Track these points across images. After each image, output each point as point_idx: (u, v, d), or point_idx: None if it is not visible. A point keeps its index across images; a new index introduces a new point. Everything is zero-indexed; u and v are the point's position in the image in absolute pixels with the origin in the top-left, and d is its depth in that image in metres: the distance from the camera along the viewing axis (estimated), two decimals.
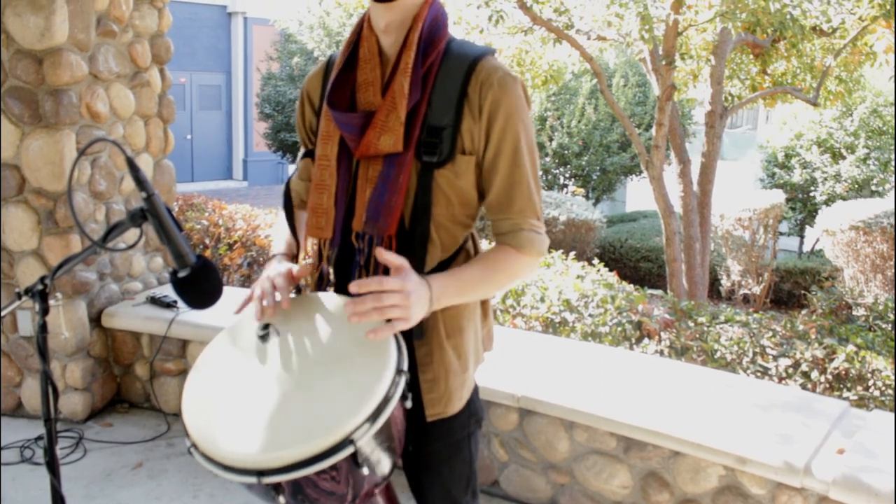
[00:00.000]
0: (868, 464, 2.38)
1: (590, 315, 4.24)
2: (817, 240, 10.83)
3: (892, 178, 11.80)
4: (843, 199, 11.29)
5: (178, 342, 3.77)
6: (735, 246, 9.42)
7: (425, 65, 1.48)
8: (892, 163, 11.79)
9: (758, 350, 3.79)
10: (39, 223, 3.48)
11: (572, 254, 5.92)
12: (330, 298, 1.52)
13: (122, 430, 3.66)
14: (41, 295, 1.41)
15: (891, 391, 3.50)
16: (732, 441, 2.55)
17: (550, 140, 13.92)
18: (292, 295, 1.58)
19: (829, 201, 11.59)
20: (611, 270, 5.67)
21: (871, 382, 3.56)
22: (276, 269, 1.55)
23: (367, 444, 1.30)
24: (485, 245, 1.75)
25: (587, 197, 14.04)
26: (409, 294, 1.36)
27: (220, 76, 18.98)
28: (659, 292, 5.38)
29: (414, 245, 1.50)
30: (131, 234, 3.49)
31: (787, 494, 2.46)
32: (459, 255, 1.58)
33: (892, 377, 3.52)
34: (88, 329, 3.67)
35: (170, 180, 4.16)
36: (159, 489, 3.16)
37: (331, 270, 1.60)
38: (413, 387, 1.52)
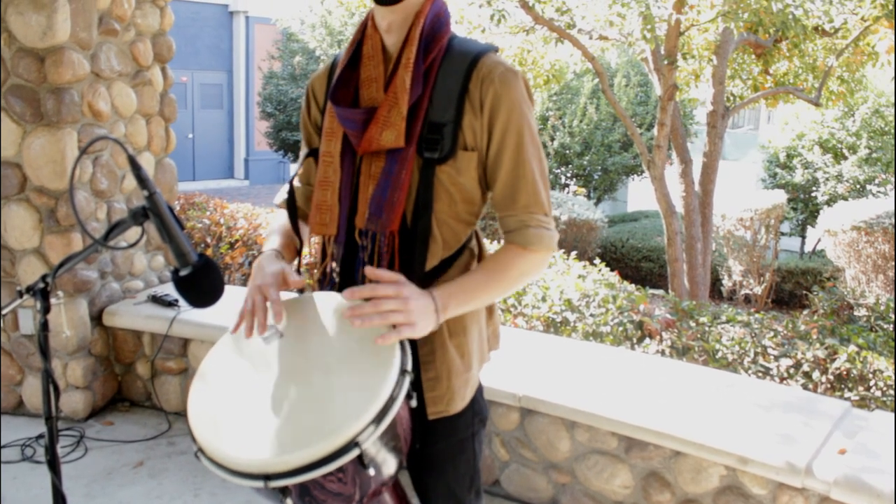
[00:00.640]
0: (869, 464, 2.38)
1: (591, 315, 4.24)
2: (819, 240, 10.83)
3: (893, 179, 11.79)
4: (845, 199, 11.29)
5: (180, 341, 3.77)
6: (737, 246, 9.42)
7: (427, 61, 1.49)
8: (894, 163, 11.78)
9: (759, 350, 3.79)
10: (41, 221, 3.48)
11: (574, 253, 5.92)
12: (333, 298, 1.51)
13: (123, 429, 3.66)
14: (42, 293, 1.41)
15: (892, 391, 3.50)
16: (734, 441, 2.54)
17: (552, 140, 13.92)
18: (295, 295, 1.57)
19: (831, 201, 11.58)
20: (612, 270, 5.67)
21: (872, 383, 3.55)
22: (268, 272, 1.51)
23: (372, 445, 1.30)
24: (487, 244, 1.75)
25: (589, 197, 14.05)
26: (406, 300, 1.37)
27: (222, 75, 18.99)
28: (660, 292, 5.39)
29: (415, 241, 1.50)
30: (133, 233, 3.49)
31: (788, 495, 2.45)
32: (463, 253, 1.58)
33: (894, 377, 3.52)
34: (89, 327, 3.67)
35: (171, 179, 4.16)
36: (160, 488, 3.16)
37: (336, 268, 1.60)
38: (415, 385, 1.52)
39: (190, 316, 3.67)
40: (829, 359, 3.66)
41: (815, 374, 3.61)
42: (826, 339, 3.86)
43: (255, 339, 1.49)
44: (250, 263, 5.27)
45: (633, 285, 5.17)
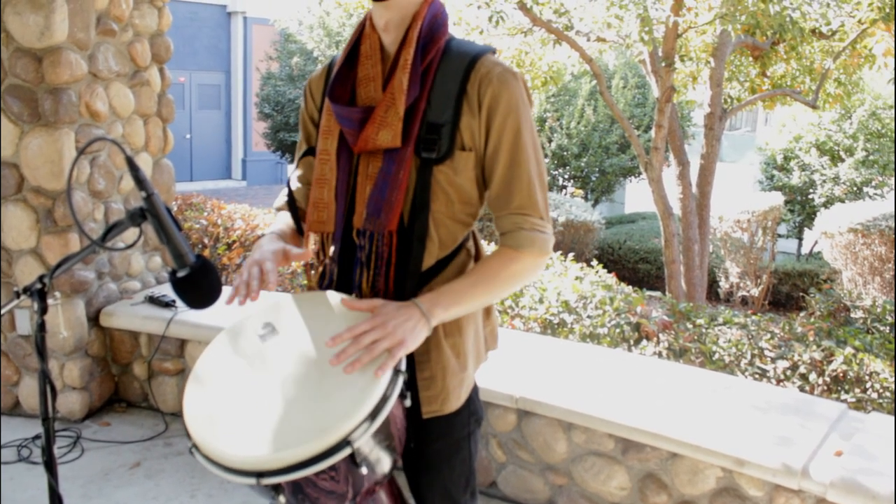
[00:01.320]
0: (866, 466, 2.39)
1: (588, 316, 4.24)
2: (816, 242, 10.85)
3: (891, 181, 11.81)
4: (842, 201, 11.31)
5: (177, 342, 3.76)
6: (734, 248, 9.43)
7: (424, 62, 1.50)
8: (891, 165, 11.80)
9: (756, 352, 3.80)
10: (38, 222, 3.48)
11: (571, 255, 5.92)
12: (331, 297, 1.52)
13: (120, 430, 3.66)
14: (39, 294, 1.41)
15: (888, 393, 3.50)
16: (730, 443, 2.55)
17: (550, 141, 13.94)
18: (293, 293, 1.58)
19: (828, 204, 11.61)
20: (609, 272, 5.68)
21: (869, 385, 3.56)
22: (267, 248, 1.52)
23: (365, 443, 1.31)
24: (484, 245, 1.74)
25: (586, 198, 14.06)
26: (384, 324, 1.37)
27: (220, 76, 18.97)
28: (657, 294, 5.40)
29: (412, 241, 1.51)
30: (130, 234, 3.48)
31: (784, 496, 2.46)
32: (459, 254, 1.58)
33: (890, 379, 3.53)
34: (86, 328, 3.67)
35: (169, 179, 4.16)
36: (157, 489, 3.16)
37: (333, 267, 1.60)
38: (410, 384, 1.52)
39: (187, 317, 3.66)
40: (826, 361, 3.67)
41: (812, 376, 3.62)
42: (823, 342, 3.87)
43: (251, 337, 1.49)
44: None
45: (630, 287, 5.17)
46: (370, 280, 1.53)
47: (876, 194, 11.93)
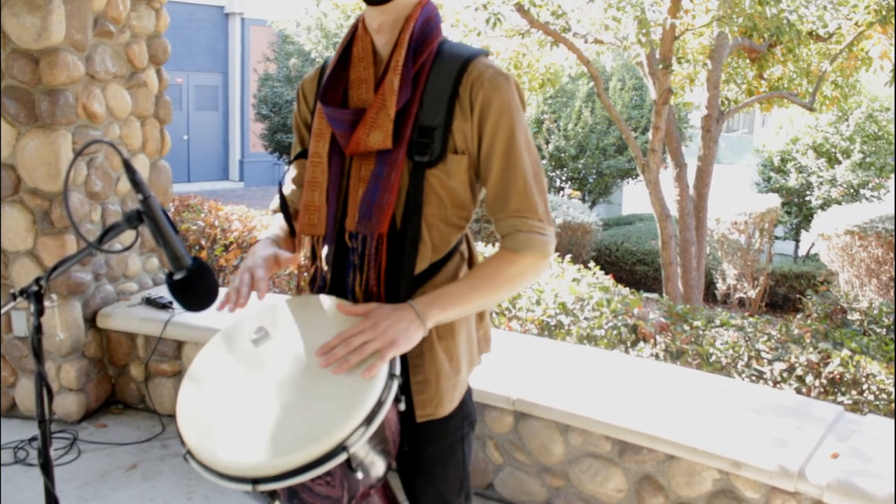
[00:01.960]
0: (862, 468, 2.39)
1: (585, 318, 4.24)
2: (812, 244, 10.86)
3: (888, 183, 11.84)
4: (839, 203, 11.33)
5: (174, 343, 3.76)
6: (731, 250, 9.44)
7: (416, 64, 1.50)
8: (888, 167, 11.82)
9: (753, 354, 3.80)
10: (35, 223, 3.48)
11: (568, 257, 5.92)
12: (324, 301, 1.52)
13: (117, 432, 3.65)
14: (36, 296, 1.41)
15: (885, 395, 3.51)
16: (727, 445, 2.55)
17: (547, 143, 13.94)
18: (288, 297, 1.58)
19: (825, 206, 11.62)
20: (607, 273, 5.68)
21: (865, 387, 3.56)
22: (260, 254, 1.53)
23: (360, 449, 1.30)
24: (479, 247, 1.74)
25: (583, 200, 14.05)
26: (374, 326, 1.37)
27: (217, 77, 18.96)
28: (655, 296, 5.40)
29: (405, 245, 1.50)
30: (127, 236, 3.47)
31: (781, 498, 2.46)
32: (453, 257, 1.58)
33: (887, 381, 3.53)
34: (83, 330, 3.66)
35: (166, 181, 4.16)
36: (153, 491, 3.16)
37: (326, 269, 1.60)
38: (403, 388, 1.52)
39: (184, 318, 3.66)
40: (823, 363, 3.67)
41: (809, 378, 3.62)
42: (819, 343, 3.87)
43: (244, 341, 1.49)
44: None
45: (627, 289, 5.17)
46: (363, 283, 1.52)
47: (873, 196, 11.95)
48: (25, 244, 3.50)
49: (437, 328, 1.53)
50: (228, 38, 19.07)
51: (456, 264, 1.58)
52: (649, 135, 7.19)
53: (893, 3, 6.22)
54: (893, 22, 6.33)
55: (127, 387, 3.89)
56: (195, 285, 1.40)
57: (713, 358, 3.82)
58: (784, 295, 9.66)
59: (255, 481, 1.27)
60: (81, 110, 3.50)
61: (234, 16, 18.93)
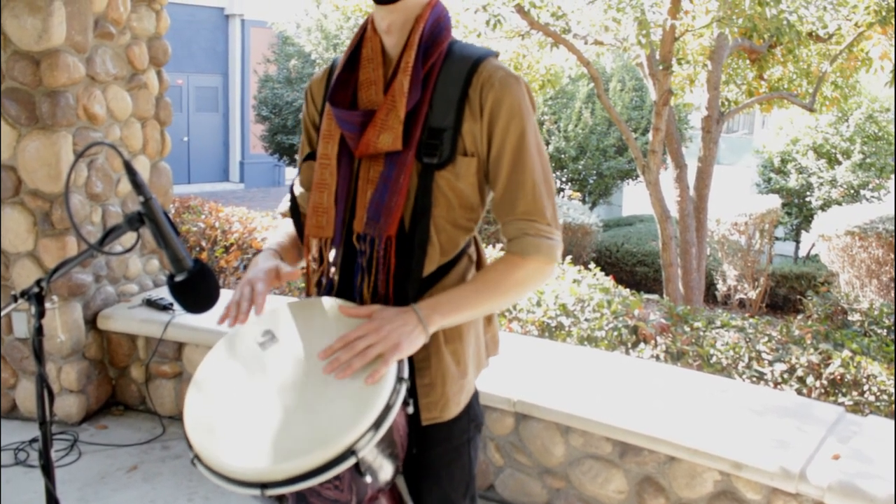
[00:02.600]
0: (863, 469, 2.39)
1: (586, 319, 4.24)
2: (813, 245, 10.85)
3: (888, 184, 11.83)
4: (839, 204, 11.32)
5: (174, 345, 3.76)
6: (731, 251, 9.43)
7: (426, 65, 1.49)
8: (888, 168, 11.82)
9: (753, 355, 3.80)
10: (35, 225, 3.48)
11: (569, 258, 5.92)
12: (331, 303, 1.51)
13: (117, 433, 3.65)
14: (37, 298, 1.41)
15: (886, 396, 3.51)
16: (728, 446, 2.55)
17: (547, 144, 13.93)
18: (294, 300, 1.57)
19: (825, 206, 11.61)
20: (607, 275, 5.68)
21: (866, 388, 3.56)
22: (261, 267, 1.52)
23: (369, 453, 1.30)
24: (487, 251, 1.74)
25: (584, 201, 14.05)
26: (378, 329, 1.37)
27: (218, 78, 18.96)
28: (655, 297, 5.40)
29: (413, 247, 1.50)
30: (128, 237, 3.48)
31: (782, 500, 2.46)
32: (461, 260, 1.57)
33: (888, 382, 3.53)
34: (84, 331, 3.66)
35: (166, 182, 4.16)
36: (154, 492, 3.16)
37: (334, 272, 1.60)
38: (410, 391, 1.51)
39: (185, 320, 3.66)
40: (823, 364, 3.67)
41: (810, 380, 3.62)
42: (820, 344, 3.87)
43: (250, 344, 1.48)
44: (245, 267, 5.27)
45: (627, 290, 5.17)
46: (371, 285, 1.52)
47: (873, 197, 11.95)
48: (26, 245, 3.50)
49: (444, 331, 1.53)
50: (229, 40, 19.07)
51: (464, 267, 1.58)
52: (649, 136, 7.19)
53: (893, 4, 6.23)
54: (893, 22, 6.34)
55: (127, 388, 3.89)
56: (196, 287, 1.40)
57: (714, 359, 3.82)
58: (784, 296, 9.66)
59: (264, 485, 1.27)
60: (82, 112, 3.50)
61: (234, 17, 18.93)
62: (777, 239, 11.49)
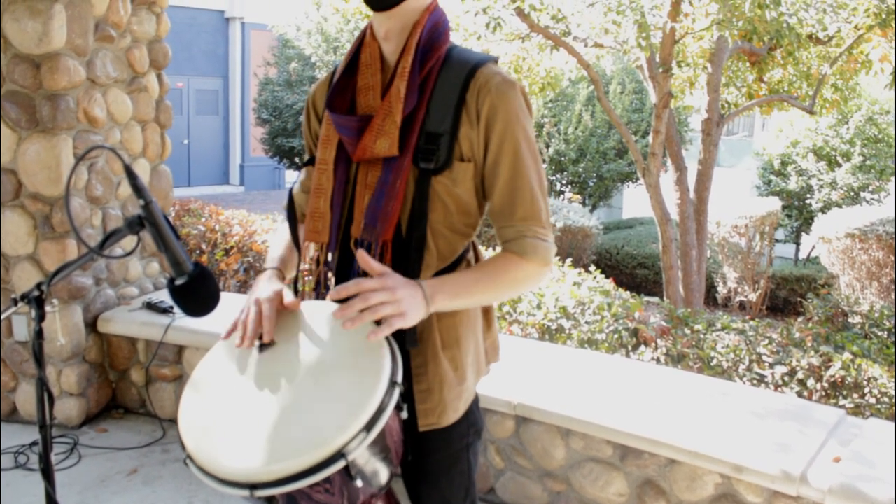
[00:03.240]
0: (864, 472, 2.39)
1: (586, 322, 4.24)
2: (813, 247, 10.85)
3: (888, 186, 11.84)
4: (839, 206, 11.33)
5: (174, 348, 3.76)
6: (731, 253, 9.43)
7: (424, 70, 1.49)
8: (888, 170, 11.83)
9: (754, 358, 3.80)
10: (36, 228, 3.48)
11: (569, 260, 5.92)
12: (326, 307, 1.51)
13: (117, 436, 3.65)
14: (37, 301, 1.41)
15: (887, 399, 3.50)
16: (729, 449, 2.55)
17: (548, 147, 13.94)
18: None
19: (825, 209, 11.62)
20: (607, 277, 5.68)
21: (867, 390, 3.56)
22: (267, 290, 1.51)
23: (360, 456, 1.30)
24: (486, 253, 1.74)
25: (584, 203, 14.05)
26: (393, 290, 1.35)
27: (218, 81, 18.98)
28: (655, 299, 5.40)
29: (410, 252, 1.50)
30: (128, 241, 3.48)
31: (783, 503, 2.45)
32: (460, 265, 1.57)
33: (888, 385, 3.53)
34: (84, 334, 3.66)
35: (167, 185, 4.16)
36: (154, 495, 3.15)
37: (331, 277, 1.59)
38: (407, 397, 1.51)
39: (185, 323, 3.66)
40: (824, 366, 3.67)
41: (810, 382, 3.62)
42: (821, 347, 3.87)
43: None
44: (245, 270, 5.27)
45: (628, 292, 5.17)
46: None
47: (873, 199, 11.96)
48: (26, 249, 3.50)
49: (441, 336, 1.53)
50: (229, 43, 19.09)
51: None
52: (649, 138, 7.20)
53: (893, 7, 6.23)
54: (893, 25, 6.34)
55: (128, 391, 3.89)
56: (196, 291, 1.40)
57: (714, 362, 3.82)
58: (785, 298, 9.66)
59: (253, 486, 1.27)
60: (82, 115, 3.50)
61: (234, 20, 18.95)
62: (777, 241, 11.49)
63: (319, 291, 1.62)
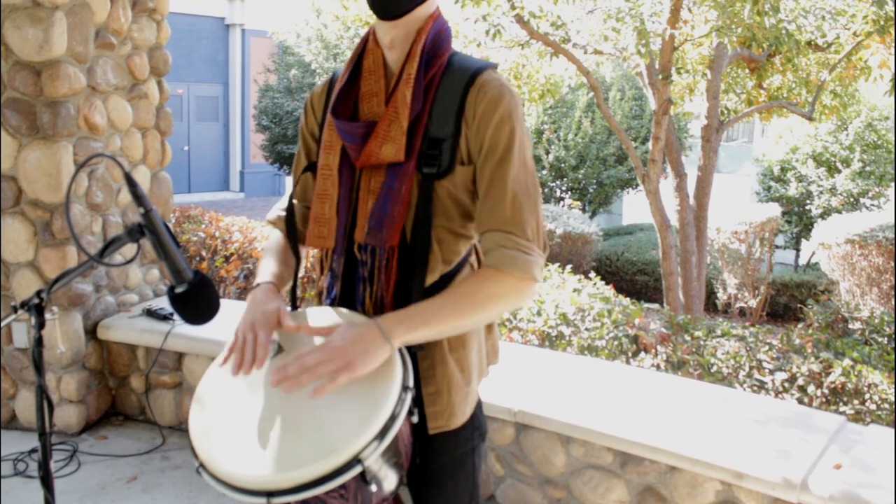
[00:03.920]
0: (865, 479, 2.38)
1: (586, 329, 4.24)
2: (813, 253, 10.85)
3: (888, 192, 11.84)
4: (839, 212, 11.33)
5: (174, 355, 3.75)
6: (731, 259, 9.43)
7: (427, 76, 1.50)
8: (888, 176, 11.83)
9: (754, 364, 3.80)
10: (36, 235, 3.48)
11: (569, 267, 5.92)
12: (333, 314, 1.51)
13: (117, 443, 3.64)
14: (37, 309, 1.41)
15: (887, 405, 3.50)
16: (729, 456, 2.54)
17: (547, 153, 13.96)
18: (300, 308, 1.58)
19: (825, 215, 11.62)
20: (607, 284, 5.67)
21: (867, 397, 3.56)
22: (264, 310, 1.48)
23: (374, 462, 1.30)
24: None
25: (584, 210, 14.06)
26: (331, 348, 1.32)
27: (218, 88, 19.01)
28: (655, 306, 5.40)
29: (415, 257, 1.50)
30: (129, 248, 3.48)
31: None
32: (463, 269, 1.58)
33: (889, 391, 3.52)
34: (84, 341, 3.66)
35: (167, 192, 4.16)
36: (154, 503, 3.15)
37: (336, 282, 1.60)
38: (416, 400, 1.51)
39: (185, 330, 3.66)
40: (824, 373, 3.67)
41: (811, 388, 3.61)
42: (821, 353, 3.86)
43: None
44: (245, 277, 5.27)
45: (628, 299, 5.17)
46: (373, 295, 1.52)
47: (873, 205, 11.96)
48: (26, 255, 3.50)
49: (448, 339, 1.53)
50: (229, 49, 19.13)
51: (466, 276, 1.58)
52: (649, 145, 7.21)
53: (892, 14, 6.24)
54: (892, 31, 6.35)
55: (127, 398, 3.89)
56: (196, 299, 1.40)
57: (714, 368, 3.82)
58: (785, 304, 9.65)
59: (270, 494, 1.27)
60: (83, 122, 3.51)
61: (234, 27, 19.00)
62: (777, 247, 11.50)
63: (324, 298, 1.63)
